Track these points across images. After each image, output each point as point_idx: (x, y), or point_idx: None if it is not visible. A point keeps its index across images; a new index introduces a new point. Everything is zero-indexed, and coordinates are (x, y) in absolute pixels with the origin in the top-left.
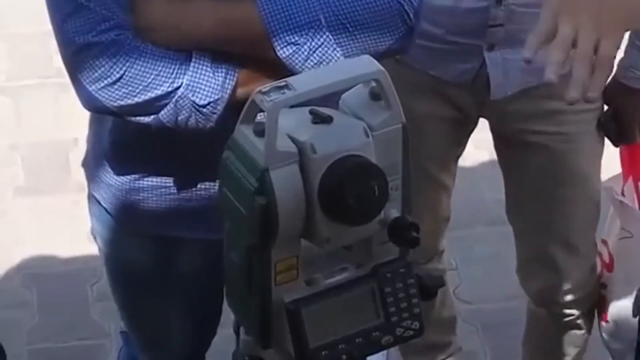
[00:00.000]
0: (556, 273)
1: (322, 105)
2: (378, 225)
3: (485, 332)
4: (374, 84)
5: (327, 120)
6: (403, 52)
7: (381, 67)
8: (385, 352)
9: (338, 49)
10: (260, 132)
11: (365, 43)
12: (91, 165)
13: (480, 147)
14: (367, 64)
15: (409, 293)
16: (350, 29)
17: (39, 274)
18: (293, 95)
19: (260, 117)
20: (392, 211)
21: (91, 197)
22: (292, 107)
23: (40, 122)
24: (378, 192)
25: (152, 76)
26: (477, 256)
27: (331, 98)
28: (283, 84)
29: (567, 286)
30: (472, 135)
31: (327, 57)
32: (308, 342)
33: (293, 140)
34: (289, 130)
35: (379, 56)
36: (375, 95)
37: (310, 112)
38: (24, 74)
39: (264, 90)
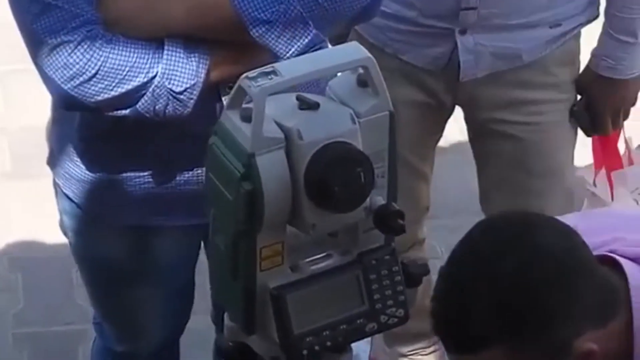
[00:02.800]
0: None
1: (309, 92)
2: (364, 212)
3: None
4: (361, 70)
5: (314, 106)
6: (370, 18)
7: (369, 54)
8: (369, 339)
9: (310, 22)
10: (246, 118)
11: (333, 12)
12: (58, 162)
13: (465, 134)
14: (355, 51)
15: (394, 280)
16: (320, 1)
17: (24, 258)
18: (280, 81)
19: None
20: (378, 198)
21: (60, 194)
22: (278, 93)
23: (27, 107)
24: (364, 179)
25: (128, 68)
26: None
27: (318, 85)
28: (270, 69)
29: None
30: (458, 123)
31: (299, 33)
32: (292, 328)
33: (280, 126)
34: (275, 116)
35: (346, 24)
36: (362, 82)
37: (297, 98)
38: (11, 59)
39: (250, 75)
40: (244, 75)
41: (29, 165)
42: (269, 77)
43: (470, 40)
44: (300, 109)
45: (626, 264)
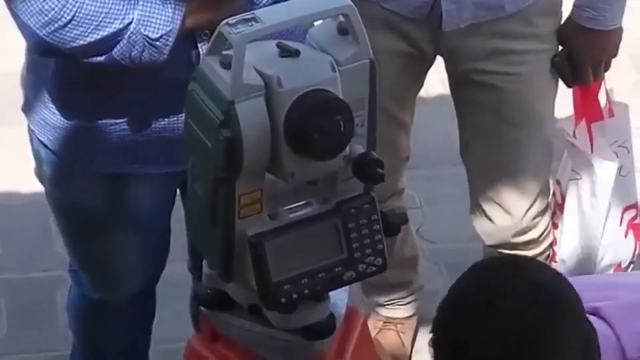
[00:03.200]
0: (507, 214)
1: (290, 39)
2: (343, 160)
3: (449, 272)
4: (342, 18)
5: (295, 54)
6: None
7: (350, 2)
8: (347, 288)
9: None
10: (226, 65)
11: None
12: (33, 109)
13: (446, 86)
14: None
15: (373, 229)
16: None
17: (1, 205)
18: (260, 28)
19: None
20: (357, 147)
21: (35, 140)
22: (259, 40)
23: (4, 53)
24: (343, 127)
25: (103, 14)
26: (442, 195)
27: (294, 33)
28: (251, 16)
29: (518, 227)
30: (439, 75)
31: None
32: (270, 275)
33: (260, 73)
34: (255, 63)
35: None
36: (343, 30)
37: (278, 46)
38: None
39: (231, 22)
40: (224, 21)
41: (6, 111)
42: (250, 23)
43: None
44: (281, 56)
45: (589, 317)
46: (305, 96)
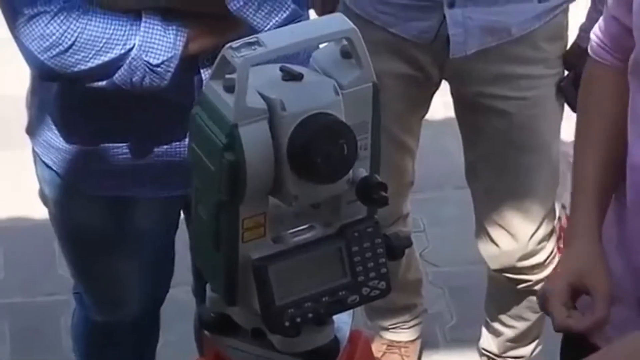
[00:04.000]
0: (513, 239)
1: (293, 63)
2: (346, 184)
3: (452, 295)
4: (345, 42)
5: (298, 77)
6: None
7: (353, 26)
8: (351, 312)
9: None
10: (230, 88)
11: None
12: (37, 131)
13: (449, 108)
14: (339, 22)
15: (376, 252)
16: None
17: (5, 229)
18: (264, 51)
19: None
20: (361, 170)
21: (39, 162)
22: (262, 63)
23: (7, 76)
24: (347, 150)
25: (104, 40)
26: (445, 219)
27: (297, 57)
28: (254, 40)
29: (523, 252)
30: (442, 97)
31: (277, 7)
32: (274, 299)
33: (263, 96)
34: (259, 87)
35: None
36: (346, 54)
37: (281, 69)
38: None
39: (234, 46)
40: (228, 45)
41: (9, 135)
42: (253, 47)
43: (459, 14)
44: (284, 80)
45: None
46: (308, 120)
